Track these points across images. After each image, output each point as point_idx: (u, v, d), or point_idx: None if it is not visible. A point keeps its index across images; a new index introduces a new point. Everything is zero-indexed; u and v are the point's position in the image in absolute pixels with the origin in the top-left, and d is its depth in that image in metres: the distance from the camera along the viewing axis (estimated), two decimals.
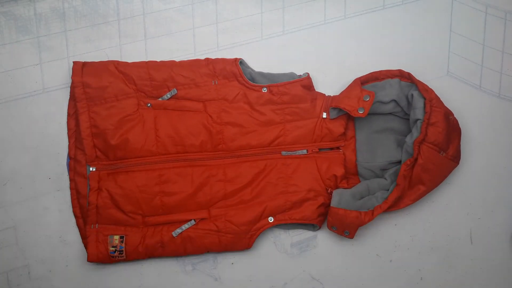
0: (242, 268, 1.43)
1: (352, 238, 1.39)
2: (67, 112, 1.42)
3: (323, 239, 1.44)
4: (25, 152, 1.43)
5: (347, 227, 1.37)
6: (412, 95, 1.38)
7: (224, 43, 1.48)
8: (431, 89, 1.39)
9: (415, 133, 1.37)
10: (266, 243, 1.43)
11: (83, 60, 1.42)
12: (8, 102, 1.43)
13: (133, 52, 1.44)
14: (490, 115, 1.49)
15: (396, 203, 1.38)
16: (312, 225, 1.43)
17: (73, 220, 1.42)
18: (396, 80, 1.41)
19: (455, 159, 1.39)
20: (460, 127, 1.41)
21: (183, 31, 1.48)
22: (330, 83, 1.47)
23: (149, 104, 1.41)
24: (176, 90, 1.41)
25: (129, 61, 1.42)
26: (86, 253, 1.38)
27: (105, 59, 1.45)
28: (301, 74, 1.45)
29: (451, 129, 1.38)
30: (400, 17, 1.51)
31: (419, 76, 1.45)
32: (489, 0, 1.49)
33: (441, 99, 1.40)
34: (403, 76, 1.41)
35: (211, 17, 1.48)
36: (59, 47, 1.45)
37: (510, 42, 1.49)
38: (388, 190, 1.39)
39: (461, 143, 1.41)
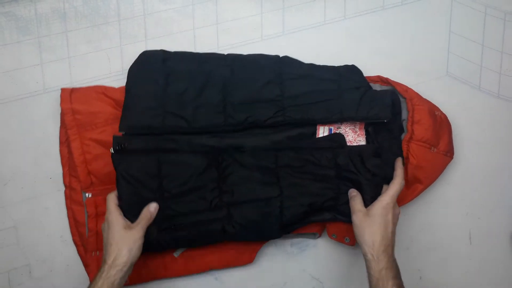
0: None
1: (353, 245, 1.38)
2: (59, 140, 1.41)
3: (323, 238, 1.44)
4: (25, 152, 1.43)
5: (347, 234, 1.37)
6: None
7: (224, 43, 1.48)
8: (410, 89, 1.39)
9: (403, 133, 1.38)
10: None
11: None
12: (9, 102, 1.43)
13: (133, 52, 1.44)
14: (490, 116, 1.50)
15: None
16: (312, 233, 1.43)
17: None
18: (377, 85, 1.42)
19: (448, 153, 1.39)
20: (450, 121, 1.41)
21: (183, 32, 1.48)
22: None
23: None
24: None
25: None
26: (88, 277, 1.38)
27: (105, 59, 1.45)
28: None
29: (439, 125, 1.37)
30: (399, 17, 1.51)
31: (418, 76, 1.46)
32: (489, 0, 1.50)
33: (440, 99, 1.40)
34: (382, 81, 1.42)
35: (212, 17, 1.49)
36: (60, 48, 1.45)
37: (510, 43, 1.49)
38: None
39: (461, 142, 1.42)
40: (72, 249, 1.41)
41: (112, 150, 1.29)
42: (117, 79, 1.45)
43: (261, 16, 1.50)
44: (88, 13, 1.46)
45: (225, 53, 1.45)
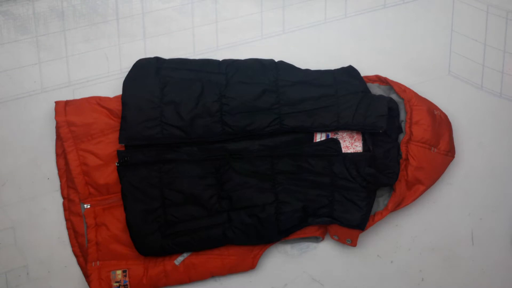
0: None
1: (355, 246, 1.38)
2: (55, 152, 1.40)
3: (323, 239, 1.44)
4: (23, 152, 1.42)
5: (348, 235, 1.37)
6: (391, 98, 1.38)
7: (224, 42, 1.48)
8: (409, 88, 1.39)
9: (401, 134, 1.37)
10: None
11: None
12: (7, 101, 1.43)
13: (132, 51, 1.44)
14: (492, 115, 1.49)
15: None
16: (315, 237, 1.42)
17: None
18: (376, 85, 1.41)
19: (449, 153, 1.38)
20: (452, 121, 1.41)
21: (182, 30, 1.47)
22: None
23: None
24: None
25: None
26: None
27: (104, 58, 1.45)
28: None
29: (438, 124, 1.36)
30: (401, 16, 1.51)
31: (420, 75, 1.45)
32: None
33: (442, 98, 1.39)
34: (381, 80, 1.41)
35: (211, 16, 1.48)
36: (58, 47, 1.44)
37: None
38: (388, 194, 1.38)
39: (463, 142, 1.41)
40: (70, 250, 1.40)
41: (117, 164, 1.33)
42: (116, 78, 1.44)
43: (261, 15, 1.49)
44: (86, 11, 1.45)
45: (224, 52, 1.44)
